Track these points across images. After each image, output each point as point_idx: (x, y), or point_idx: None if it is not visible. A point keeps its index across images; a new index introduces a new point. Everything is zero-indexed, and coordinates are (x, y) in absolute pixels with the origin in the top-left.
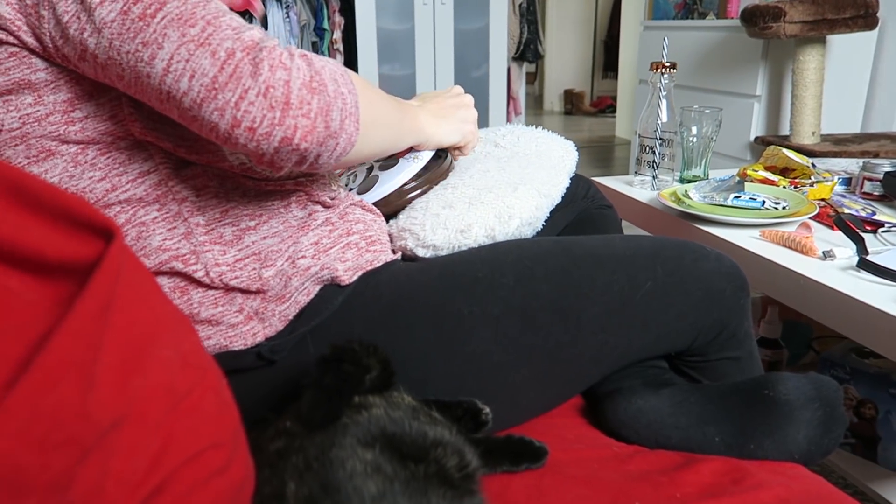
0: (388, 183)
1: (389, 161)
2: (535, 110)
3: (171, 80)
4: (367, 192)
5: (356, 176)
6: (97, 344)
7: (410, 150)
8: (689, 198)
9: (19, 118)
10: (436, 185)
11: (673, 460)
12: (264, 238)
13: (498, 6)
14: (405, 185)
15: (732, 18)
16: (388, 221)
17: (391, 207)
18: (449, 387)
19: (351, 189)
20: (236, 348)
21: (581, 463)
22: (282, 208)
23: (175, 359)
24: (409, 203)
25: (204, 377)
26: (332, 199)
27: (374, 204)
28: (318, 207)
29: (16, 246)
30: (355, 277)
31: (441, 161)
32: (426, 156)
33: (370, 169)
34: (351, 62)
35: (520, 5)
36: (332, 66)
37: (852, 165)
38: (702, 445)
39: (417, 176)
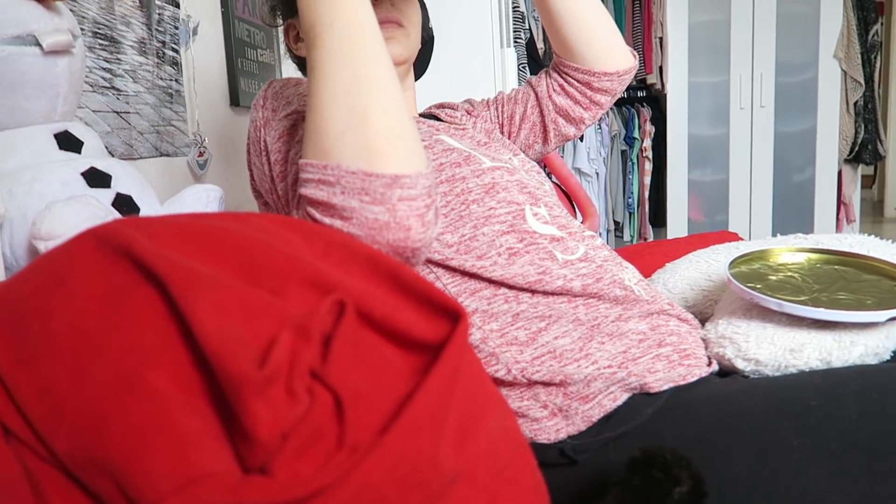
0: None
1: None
2: (874, 217)
3: None
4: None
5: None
6: (447, 405)
7: None
8: None
9: None
10: None
11: None
12: (556, 338)
13: (828, 106)
14: None
15: None
16: (703, 325)
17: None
18: None
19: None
20: (541, 441)
21: None
22: (570, 309)
23: (499, 431)
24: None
25: (522, 453)
26: (624, 294)
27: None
28: (607, 305)
29: (394, 323)
30: (665, 387)
31: None
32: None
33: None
34: (659, 168)
35: (854, 103)
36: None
37: None
38: None
39: None
